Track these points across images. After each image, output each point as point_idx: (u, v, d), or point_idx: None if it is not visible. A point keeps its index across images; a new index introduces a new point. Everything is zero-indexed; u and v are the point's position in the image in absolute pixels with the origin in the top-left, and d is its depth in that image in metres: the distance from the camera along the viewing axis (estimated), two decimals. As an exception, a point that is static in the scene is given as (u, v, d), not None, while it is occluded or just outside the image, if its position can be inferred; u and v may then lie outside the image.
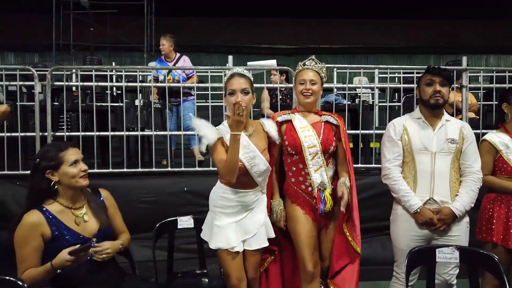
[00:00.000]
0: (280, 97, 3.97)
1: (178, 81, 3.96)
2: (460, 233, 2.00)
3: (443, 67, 2.08)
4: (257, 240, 1.91)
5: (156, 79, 4.25)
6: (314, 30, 12.38)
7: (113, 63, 8.12)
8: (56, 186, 1.66)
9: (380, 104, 6.05)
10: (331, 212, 2.04)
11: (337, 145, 2.08)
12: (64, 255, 1.52)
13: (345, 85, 4.22)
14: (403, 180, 2.05)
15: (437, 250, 1.78)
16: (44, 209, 1.64)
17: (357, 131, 3.62)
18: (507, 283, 1.60)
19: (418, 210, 1.98)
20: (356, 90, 6.47)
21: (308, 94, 2.04)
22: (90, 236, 1.67)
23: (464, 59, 3.87)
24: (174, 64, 4.27)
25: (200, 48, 11.20)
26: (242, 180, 1.88)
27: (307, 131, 2.03)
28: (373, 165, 3.50)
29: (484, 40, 11.96)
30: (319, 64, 2.11)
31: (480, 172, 2.05)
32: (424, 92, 2.05)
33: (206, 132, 1.84)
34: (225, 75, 2.01)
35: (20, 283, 1.45)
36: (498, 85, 4.17)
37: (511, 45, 11.63)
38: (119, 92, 4.96)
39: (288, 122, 2.09)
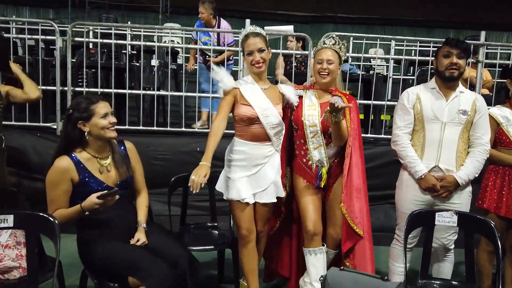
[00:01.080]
0: (295, 64, 3.99)
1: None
2: (461, 201, 2.09)
3: (462, 40, 2.08)
4: (266, 195, 2.03)
5: (195, 42, 4.11)
6: (333, -2, 12.05)
7: (129, 23, 8.07)
8: (87, 136, 1.76)
9: (394, 76, 6.00)
10: (330, 185, 2.15)
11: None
12: (93, 198, 1.64)
13: (360, 55, 4.18)
14: (411, 147, 2.11)
15: (436, 213, 1.88)
16: (74, 155, 1.76)
17: (369, 102, 3.68)
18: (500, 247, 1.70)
19: (423, 176, 2.06)
20: (371, 62, 6.43)
21: (325, 74, 2.08)
22: (112, 185, 1.80)
23: (483, 34, 3.83)
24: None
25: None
26: (256, 132, 2.00)
27: (312, 110, 2.09)
28: (382, 136, 3.57)
29: (506, 17, 11.56)
30: (339, 43, 2.12)
31: (488, 144, 2.10)
32: (440, 63, 2.07)
33: (224, 78, 2.01)
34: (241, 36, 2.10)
35: (52, 219, 1.59)
36: (515, 63, 4.13)
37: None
38: (134, 52, 5.00)
39: (300, 97, 2.16)
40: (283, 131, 2.08)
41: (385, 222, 3.45)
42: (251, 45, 2.00)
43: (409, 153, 2.10)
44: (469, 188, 2.12)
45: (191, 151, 3.30)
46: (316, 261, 2.08)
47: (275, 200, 2.07)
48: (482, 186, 2.27)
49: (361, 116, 3.64)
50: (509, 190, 2.17)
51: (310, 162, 2.12)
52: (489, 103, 4.00)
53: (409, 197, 2.13)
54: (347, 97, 2.13)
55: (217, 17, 4.09)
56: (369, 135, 3.62)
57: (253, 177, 2.02)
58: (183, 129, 3.46)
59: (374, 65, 5.80)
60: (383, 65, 6.99)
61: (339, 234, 2.14)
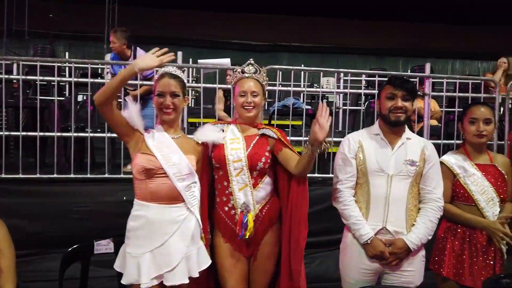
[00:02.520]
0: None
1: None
2: (414, 269, 1.80)
3: (410, 73, 1.88)
4: (174, 276, 1.62)
5: (114, 76, 3.84)
6: (287, 27, 12.21)
7: (67, 54, 7.57)
8: None
9: (345, 108, 5.90)
10: (259, 238, 1.82)
11: (280, 156, 1.84)
12: None
13: (303, 89, 3.98)
14: (355, 205, 1.82)
15: None
16: None
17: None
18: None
19: (369, 241, 1.76)
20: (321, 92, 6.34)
21: (249, 108, 1.82)
22: None
23: (428, 66, 3.74)
24: None
25: (165, 41, 10.74)
26: (158, 188, 1.64)
27: (236, 144, 1.81)
28: (330, 175, 3.31)
29: (451, 45, 12.14)
30: (260, 70, 1.87)
31: (442, 200, 1.84)
32: (384, 105, 1.82)
33: (134, 117, 1.73)
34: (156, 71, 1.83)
35: None
36: (460, 94, 4.10)
37: (476, 51, 11.88)
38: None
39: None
40: (197, 185, 1.74)
41: (336, 270, 3.16)
42: (163, 86, 1.71)
43: (352, 212, 1.80)
44: (422, 252, 1.84)
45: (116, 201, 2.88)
46: None
47: (187, 281, 1.65)
48: (438, 248, 1.99)
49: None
50: (471, 255, 1.89)
51: (233, 210, 1.79)
52: (438, 135, 3.95)
53: (354, 265, 1.82)
54: (274, 129, 1.89)
55: (132, 46, 3.75)
56: (316, 174, 3.35)
57: (157, 252, 1.62)
58: (107, 175, 3.03)
59: (326, 95, 5.69)
60: (337, 94, 6.93)
61: None
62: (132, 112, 1.72)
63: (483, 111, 1.93)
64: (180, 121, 1.87)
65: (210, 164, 1.86)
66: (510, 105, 4.17)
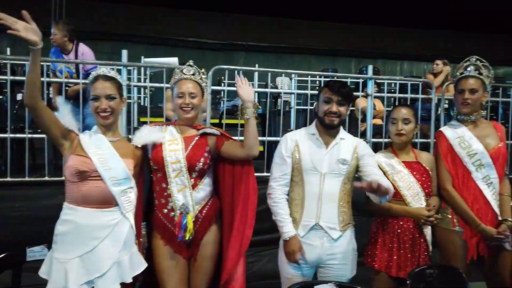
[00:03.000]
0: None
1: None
2: (346, 262, 1.90)
3: (344, 84, 1.93)
4: (105, 282, 1.58)
5: (54, 73, 3.64)
6: (243, 26, 12.23)
7: (8, 50, 7.10)
8: None
9: (298, 107, 6.02)
10: (199, 239, 1.84)
11: (223, 149, 1.87)
12: None
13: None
14: (285, 203, 1.90)
15: (315, 287, 1.66)
16: None
17: (263, 138, 3.52)
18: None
19: (287, 239, 1.85)
20: (278, 89, 6.43)
21: (188, 109, 1.84)
22: None
23: (370, 68, 3.92)
24: (75, 57, 3.68)
25: (116, 37, 10.41)
26: (90, 192, 1.61)
27: (174, 145, 1.81)
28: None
29: (400, 46, 12.73)
30: (199, 72, 1.89)
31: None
32: (320, 108, 1.90)
33: (65, 116, 1.68)
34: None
35: None
36: (400, 95, 4.34)
37: (423, 52, 12.53)
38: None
39: None
40: (134, 190, 1.72)
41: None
42: (98, 89, 1.68)
43: (280, 210, 1.88)
44: (353, 246, 1.95)
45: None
46: None
47: (118, 287, 1.62)
48: (371, 242, 2.10)
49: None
50: (399, 247, 2.01)
51: (172, 212, 1.79)
52: (381, 134, 4.15)
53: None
54: (215, 128, 1.93)
55: (74, 41, 3.63)
56: (264, 173, 3.41)
57: (87, 258, 1.58)
58: (47, 178, 2.91)
59: (281, 94, 5.77)
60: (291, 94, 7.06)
61: None
62: (64, 112, 1.67)
63: (403, 112, 2.06)
64: (128, 121, 1.84)
65: (148, 166, 1.85)
66: (446, 105, 4.47)
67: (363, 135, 4.17)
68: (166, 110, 3.57)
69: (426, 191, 2.04)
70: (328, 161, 1.88)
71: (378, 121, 4.76)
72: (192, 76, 1.87)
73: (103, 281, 1.58)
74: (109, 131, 1.73)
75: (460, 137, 2.06)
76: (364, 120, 4.69)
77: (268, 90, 4.17)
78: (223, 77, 4.28)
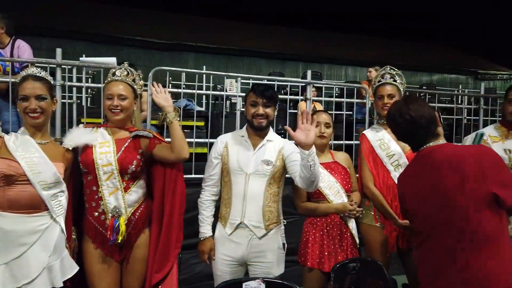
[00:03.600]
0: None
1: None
2: (272, 260, 1.99)
3: (268, 87, 2.02)
4: (34, 287, 1.56)
5: None
6: (194, 27, 12.13)
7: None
8: None
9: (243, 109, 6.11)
10: (132, 241, 1.85)
11: (155, 151, 1.89)
12: None
13: (193, 91, 4.02)
14: (209, 205, 2.02)
15: (244, 284, 1.74)
16: None
17: (206, 140, 3.57)
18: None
19: (202, 239, 1.97)
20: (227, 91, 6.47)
21: (117, 111, 1.84)
22: None
23: (309, 73, 4.08)
24: (10, 52, 3.50)
25: (59, 34, 9.93)
26: (18, 197, 1.57)
27: (106, 147, 1.81)
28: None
29: (344, 52, 13.28)
30: (133, 74, 1.89)
31: None
32: (248, 111, 1.99)
33: None
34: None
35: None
36: (337, 99, 4.58)
37: (365, 59, 13.16)
38: None
39: None
40: (65, 194, 1.69)
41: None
42: (27, 89, 1.64)
43: (203, 210, 2.00)
44: (279, 245, 2.03)
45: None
46: None
47: None
48: (303, 241, 2.20)
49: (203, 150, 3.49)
50: (329, 242, 2.13)
51: (103, 216, 1.78)
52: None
53: (219, 256, 1.97)
54: (147, 130, 1.95)
55: (13, 35, 3.49)
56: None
57: (14, 264, 1.54)
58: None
59: (230, 96, 5.81)
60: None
61: None
62: None
63: (324, 117, 2.23)
64: (69, 122, 1.78)
65: (78, 169, 1.82)
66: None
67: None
68: (144, 111, 3.49)
69: (346, 187, 2.20)
70: (254, 162, 1.97)
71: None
72: (124, 78, 1.86)
73: (32, 287, 1.54)
74: (38, 133, 1.69)
75: (381, 139, 2.23)
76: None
77: (210, 92, 4.20)
78: (170, 78, 4.27)
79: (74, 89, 3.82)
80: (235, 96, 6.79)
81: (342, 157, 2.30)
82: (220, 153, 2.01)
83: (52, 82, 1.77)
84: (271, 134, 2.08)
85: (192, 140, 3.23)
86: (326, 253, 2.12)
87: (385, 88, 2.21)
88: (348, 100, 4.36)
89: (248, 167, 1.96)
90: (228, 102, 7.24)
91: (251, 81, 6.47)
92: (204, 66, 8.11)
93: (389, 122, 1.65)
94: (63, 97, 3.00)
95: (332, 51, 13.13)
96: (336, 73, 13.70)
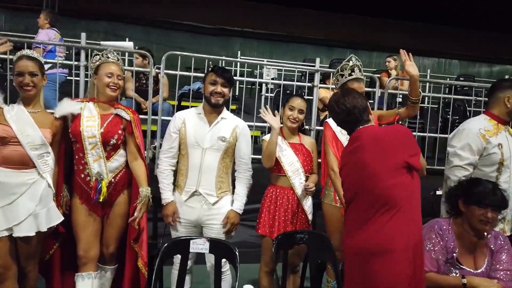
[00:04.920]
0: (143, 81, 4.02)
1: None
2: (219, 222, 2.24)
3: (226, 69, 2.28)
4: (20, 229, 1.93)
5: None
6: (241, 12, 12.32)
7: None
8: None
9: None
10: (112, 200, 2.17)
11: (128, 139, 2.17)
12: None
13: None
14: (169, 173, 2.24)
15: (191, 241, 1.97)
16: None
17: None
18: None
19: (164, 204, 2.21)
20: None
21: (114, 88, 2.13)
22: None
23: (318, 60, 4.18)
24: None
25: (114, 18, 10.65)
26: (10, 154, 1.93)
27: (91, 121, 2.10)
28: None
29: (396, 40, 12.74)
30: (119, 58, 2.21)
31: (250, 165, 2.31)
32: (207, 90, 2.21)
33: None
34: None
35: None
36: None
37: (417, 47, 12.57)
38: None
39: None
40: (51, 155, 2.05)
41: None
42: (21, 66, 1.99)
43: (163, 179, 2.23)
44: (227, 208, 2.26)
45: None
46: (83, 286, 2.09)
47: (33, 234, 1.96)
48: (260, 211, 2.41)
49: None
50: (280, 214, 2.33)
51: (88, 177, 2.11)
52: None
53: (179, 220, 2.24)
54: (129, 110, 2.22)
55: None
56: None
57: (7, 209, 1.93)
58: None
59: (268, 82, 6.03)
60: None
61: (113, 249, 2.20)
62: None
63: (300, 103, 2.38)
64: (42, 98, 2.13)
65: (69, 136, 2.16)
66: (399, 99, 4.75)
67: (322, 124, 4.47)
68: (126, 90, 3.90)
69: (306, 168, 2.38)
70: (210, 137, 2.20)
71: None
72: (117, 61, 2.17)
73: (19, 228, 1.94)
74: (30, 104, 2.05)
75: None
76: (324, 109, 4.98)
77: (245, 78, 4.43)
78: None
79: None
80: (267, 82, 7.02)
81: (308, 141, 2.48)
82: (178, 128, 2.21)
83: (42, 61, 2.09)
84: (225, 112, 2.29)
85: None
86: (277, 224, 2.32)
87: (359, 86, 2.27)
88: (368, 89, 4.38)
89: (204, 142, 2.18)
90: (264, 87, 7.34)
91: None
92: (239, 52, 8.26)
93: (329, 111, 1.88)
94: (86, 76, 3.41)
95: (383, 39, 12.70)
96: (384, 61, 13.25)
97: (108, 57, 2.16)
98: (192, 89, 4.08)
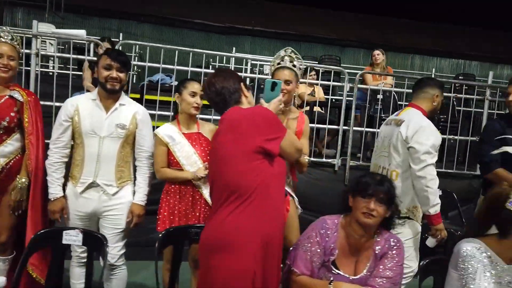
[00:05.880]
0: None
1: None
2: (122, 212, 2.11)
3: (122, 52, 2.13)
4: None
5: None
6: (250, 11, 12.29)
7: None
8: None
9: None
10: (5, 186, 2.08)
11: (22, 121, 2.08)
12: None
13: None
14: (58, 166, 2.07)
15: (64, 232, 1.85)
16: None
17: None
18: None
19: (52, 199, 2.05)
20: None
21: (5, 69, 2.06)
22: None
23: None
24: None
25: (126, 16, 10.86)
26: None
27: None
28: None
29: (414, 41, 12.37)
30: (16, 38, 2.13)
31: (150, 149, 2.17)
32: (101, 74, 2.05)
33: None
34: None
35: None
36: (323, 82, 4.41)
37: (432, 47, 12.10)
38: None
39: None
40: None
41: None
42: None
43: (52, 172, 2.07)
44: (130, 200, 2.13)
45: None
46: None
47: None
48: (159, 207, 2.25)
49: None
50: (181, 208, 2.19)
51: None
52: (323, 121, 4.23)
53: (71, 212, 2.10)
54: (26, 92, 2.15)
55: None
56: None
57: None
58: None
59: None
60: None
61: (5, 240, 2.12)
62: None
63: (198, 87, 2.23)
64: None
65: None
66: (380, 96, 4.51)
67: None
68: (84, 80, 3.87)
69: (205, 159, 2.19)
70: (107, 125, 2.04)
71: (319, 108, 4.80)
72: (10, 41, 2.08)
73: None
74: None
75: None
76: (302, 106, 4.78)
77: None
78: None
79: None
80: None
81: (207, 129, 2.28)
82: (71, 116, 2.04)
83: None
84: (125, 98, 2.14)
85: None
86: (177, 218, 2.17)
87: (283, 73, 2.10)
88: (325, 82, 4.18)
89: (102, 130, 2.03)
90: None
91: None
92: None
93: (203, 92, 1.75)
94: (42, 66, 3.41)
95: (397, 39, 12.28)
96: (400, 62, 12.78)
97: (1, 38, 2.07)
98: (152, 80, 4.00)
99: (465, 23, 11.51)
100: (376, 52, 5.05)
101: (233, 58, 7.07)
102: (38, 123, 2.12)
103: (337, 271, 1.57)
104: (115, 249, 2.09)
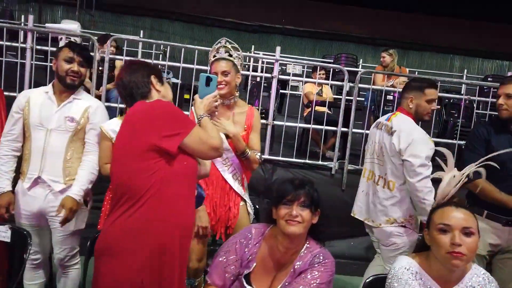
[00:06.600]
0: (101, 68, 4.02)
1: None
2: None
3: (84, 47, 2.08)
4: None
5: None
6: (281, 9, 12.16)
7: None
8: None
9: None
10: None
11: None
12: None
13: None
14: (8, 159, 2.00)
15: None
16: None
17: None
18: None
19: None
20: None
21: None
22: None
23: (277, 49, 3.87)
24: None
25: (158, 14, 11.12)
26: None
27: None
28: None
29: (457, 40, 11.72)
30: None
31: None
32: (61, 67, 1.97)
33: None
34: None
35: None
36: (320, 81, 4.23)
37: (477, 48, 11.38)
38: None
39: None
40: None
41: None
42: None
43: (1, 165, 1.98)
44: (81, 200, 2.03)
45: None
46: None
47: None
48: (102, 205, 2.20)
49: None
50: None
51: None
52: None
53: (18, 210, 2.01)
54: None
55: None
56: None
57: None
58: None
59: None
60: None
61: None
62: None
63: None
64: None
65: None
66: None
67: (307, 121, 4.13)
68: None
69: None
70: (57, 118, 1.97)
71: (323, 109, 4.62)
72: None
73: None
74: None
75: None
76: (308, 105, 4.61)
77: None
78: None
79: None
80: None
81: None
82: (22, 107, 1.98)
83: None
84: (82, 93, 2.08)
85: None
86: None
87: (219, 64, 1.97)
88: (322, 81, 3.99)
89: (50, 123, 1.95)
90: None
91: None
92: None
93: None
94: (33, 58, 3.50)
95: (435, 38, 11.64)
96: (442, 63, 12.09)
97: None
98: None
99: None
100: (382, 54, 4.79)
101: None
102: (3, 116, 2.11)
103: (250, 285, 1.44)
104: (64, 251, 2.02)
